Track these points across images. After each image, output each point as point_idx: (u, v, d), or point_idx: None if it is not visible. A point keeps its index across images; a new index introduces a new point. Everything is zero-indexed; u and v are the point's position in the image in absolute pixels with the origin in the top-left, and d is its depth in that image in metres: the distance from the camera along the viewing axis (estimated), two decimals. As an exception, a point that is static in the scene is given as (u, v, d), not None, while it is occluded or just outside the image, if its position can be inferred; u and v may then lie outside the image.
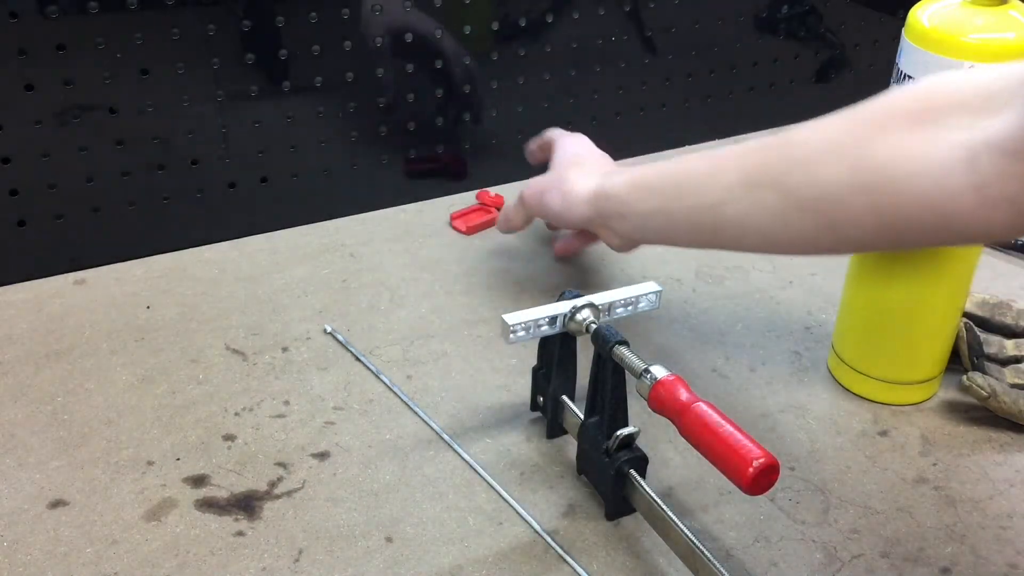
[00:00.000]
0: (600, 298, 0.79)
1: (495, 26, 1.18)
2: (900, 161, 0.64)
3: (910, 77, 0.79)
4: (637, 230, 0.86)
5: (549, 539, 0.75)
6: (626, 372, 0.74)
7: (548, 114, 1.25)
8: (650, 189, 0.84)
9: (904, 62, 0.80)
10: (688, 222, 0.80)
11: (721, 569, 0.66)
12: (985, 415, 0.88)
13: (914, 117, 0.65)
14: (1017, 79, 0.61)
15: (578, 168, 0.95)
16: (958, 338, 0.90)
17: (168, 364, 0.92)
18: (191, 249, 1.09)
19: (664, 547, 0.72)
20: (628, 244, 0.90)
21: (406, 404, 0.88)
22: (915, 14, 0.79)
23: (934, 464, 0.83)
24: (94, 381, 0.89)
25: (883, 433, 0.86)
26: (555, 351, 0.81)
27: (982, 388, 0.84)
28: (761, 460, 0.62)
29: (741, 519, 0.77)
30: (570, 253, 1.08)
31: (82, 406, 0.86)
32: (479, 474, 0.81)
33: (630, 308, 0.81)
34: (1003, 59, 0.74)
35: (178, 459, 0.81)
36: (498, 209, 1.17)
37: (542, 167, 1.01)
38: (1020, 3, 0.78)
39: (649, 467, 0.76)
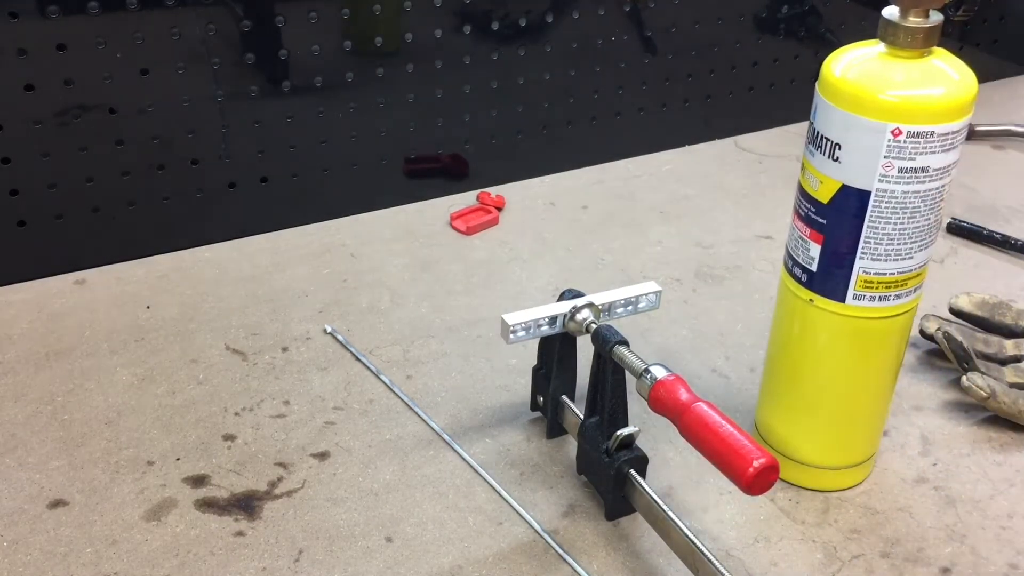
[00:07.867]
0: (600, 298, 0.79)
1: (495, 26, 1.18)
2: None
3: (826, 137, 0.67)
4: None
5: (549, 539, 0.75)
6: (626, 372, 0.74)
7: (548, 114, 1.25)
8: None
9: (819, 121, 0.68)
10: None
11: (721, 569, 0.66)
12: (985, 415, 0.88)
13: None
14: None
15: None
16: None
17: (168, 364, 0.92)
18: (191, 249, 1.09)
19: (664, 547, 0.72)
20: None
21: (406, 404, 0.88)
22: (828, 66, 0.67)
23: (934, 464, 0.83)
24: (94, 381, 0.89)
25: (883, 433, 0.86)
26: (555, 351, 0.81)
27: (982, 388, 0.84)
28: (761, 460, 0.62)
29: (741, 519, 0.77)
30: None
31: (82, 406, 0.86)
32: (479, 474, 0.81)
33: (630, 308, 0.81)
34: (929, 120, 0.64)
35: (178, 459, 0.81)
36: (499, 209, 1.17)
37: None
38: (947, 51, 0.67)
39: (649, 467, 0.76)
